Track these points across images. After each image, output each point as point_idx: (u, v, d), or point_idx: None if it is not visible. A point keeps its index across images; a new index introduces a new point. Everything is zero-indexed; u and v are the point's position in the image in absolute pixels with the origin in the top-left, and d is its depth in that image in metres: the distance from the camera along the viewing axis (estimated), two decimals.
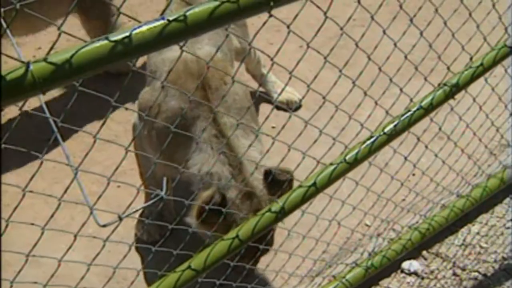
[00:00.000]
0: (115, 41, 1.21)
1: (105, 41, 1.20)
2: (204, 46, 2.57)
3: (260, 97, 3.72)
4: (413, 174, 2.96)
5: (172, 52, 2.51)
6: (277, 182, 2.21)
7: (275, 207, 2.00)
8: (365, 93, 2.03)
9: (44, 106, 1.41)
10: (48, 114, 1.41)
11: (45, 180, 3.17)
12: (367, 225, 3.12)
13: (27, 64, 1.13)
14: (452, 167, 2.89)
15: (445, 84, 2.31)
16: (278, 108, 3.71)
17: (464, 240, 3.14)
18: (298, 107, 3.70)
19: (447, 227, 3.09)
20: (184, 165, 2.26)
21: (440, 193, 3.14)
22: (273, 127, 3.55)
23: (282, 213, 2.00)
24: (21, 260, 1.61)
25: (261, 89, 3.73)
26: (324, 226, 2.64)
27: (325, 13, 1.66)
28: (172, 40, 1.28)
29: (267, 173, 2.24)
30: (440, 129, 2.53)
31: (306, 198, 2.04)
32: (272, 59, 1.61)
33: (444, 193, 3.15)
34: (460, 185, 3.13)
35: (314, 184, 2.05)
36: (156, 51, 1.30)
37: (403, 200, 3.15)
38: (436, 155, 2.67)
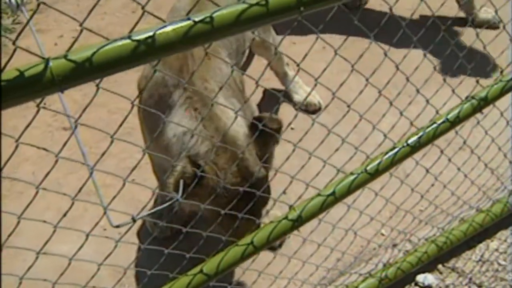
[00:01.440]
0: (138, 41, 1.17)
1: (128, 40, 1.16)
2: None
3: (278, 97, 3.67)
4: (432, 185, 2.90)
5: None
6: (264, 132, 1.98)
7: (292, 215, 1.95)
8: (391, 103, 1.97)
9: (64, 101, 1.37)
10: (66, 107, 1.37)
11: (60, 170, 3.15)
12: (382, 234, 3.06)
13: (47, 61, 1.09)
14: (474, 181, 2.82)
15: (473, 97, 2.24)
16: (297, 109, 3.67)
17: (481, 256, 3.06)
18: (318, 109, 3.63)
19: (464, 241, 3.02)
20: (162, 131, 2.15)
21: (460, 206, 3.06)
22: (292, 129, 3.50)
23: (299, 221, 1.95)
24: (30, 248, 1.58)
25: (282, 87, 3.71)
26: (339, 234, 2.59)
27: (355, 20, 1.60)
28: (197, 42, 1.24)
29: (256, 120, 2.03)
30: (464, 142, 2.45)
31: (324, 207, 1.99)
32: (298, 65, 1.56)
33: (463, 207, 3.08)
34: (481, 199, 3.06)
35: (333, 193, 2.00)
36: (178, 52, 1.25)
37: (421, 211, 3.08)
38: (459, 169, 2.59)
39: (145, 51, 1.17)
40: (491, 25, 3.84)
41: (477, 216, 3.03)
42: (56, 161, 1.30)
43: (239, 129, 2.09)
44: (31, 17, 1.22)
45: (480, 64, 2.23)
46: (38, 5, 1.08)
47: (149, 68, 2.37)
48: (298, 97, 3.68)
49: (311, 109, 3.65)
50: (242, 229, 2.02)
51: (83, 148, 1.43)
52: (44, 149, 1.27)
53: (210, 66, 2.26)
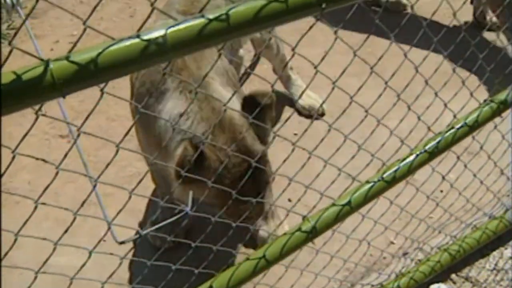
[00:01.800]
0: (148, 40, 1.05)
1: (137, 40, 1.05)
2: None
3: (282, 102, 3.58)
4: (441, 191, 2.80)
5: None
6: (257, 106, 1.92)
7: (306, 226, 1.84)
8: (409, 108, 1.87)
9: (63, 108, 1.26)
10: (66, 115, 1.26)
11: (58, 179, 3.03)
12: (392, 243, 2.96)
13: (47, 63, 0.98)
14: (490, 187, 2.71)
15: (492, 101, 2.14)
16: (300, 114, 3.57)
17: (496, 264, 2.95)
18: (321, 114, 3.53)
19: (477, 249, 2.91)
20: (155, 117, 2.05)
21: (475, 213, 2.96)
22: (295, 134, 3.39)
23: (314, 233, 1.84)
24: (27, 263, 1.47)
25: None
26: (350, 244, 2.47)
27: (376, 19, 1.50)
28: (211, 41, 1.13)
29: (248, 99, 2.00)
30: (481, 147, 2.35)
31: (339, 217, 1.88)
32: (316, 67, 1.45)
33: (476, 214, 2.97)
34: (496, 206, 2.95)
35: (349, 203, 1.89)
36: (192, 53, 1.14)
37: (431, 218, 2.98)
38: (474, 175, 2.49)
39: (156, 51, 1.06)
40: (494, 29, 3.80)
41: (490, 223, 2.92)
42: (57, 173, 1.19)
43: (235, 108, 2.01)
44: (27, 16, 1.12)
45: (499, 65, 2.12)
46: (36, 1, 0.96)
47: None
48: (301, 101, 3.59)
49: (313, 114, 3.56)
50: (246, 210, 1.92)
51: (85, 159, 1.32)
52: (43, 160, 1.16)
53: (204, 55, 2.18)
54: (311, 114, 3.57)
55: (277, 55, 3.43)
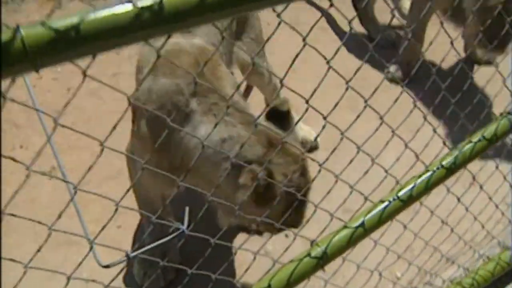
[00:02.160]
0: (142, 8, 0.88)
1: (128, 7, 0.87)
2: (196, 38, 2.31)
3: None
4: (446, 223, 2.62)
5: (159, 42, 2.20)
6: (282, 116, 2.06)
7: (316, 251, 1.63)
8: (425, 118, 1.70)
9: (32, 92, 1.06)
10: (35, 100, 1.07)
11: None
12: (397, 278, 2.74)
13: (16, 28, 0.80)
14: (505, 212, 2.53)
15: (509, 113, 1.99)
16: None
17: None
18: (314, 147, 3.37)
19: (492, 282, 2.70)
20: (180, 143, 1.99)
21: (488, 243, 2.76)
22: None
23: (324, 259, 1.63)
24: None
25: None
26: (360, 274, 2.25)
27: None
28: (216, 12, 0.95)
29: (271, 113, 2.06)
30: (497, 167, 2.18)
31: (352, 241, 1.68)
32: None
33: (490, 243, 2.78)
34: (508, 236, 2.76)
35: (362, 224, 1.69)
36: (192, 26, 0.96)
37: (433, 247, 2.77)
38: (490, 198, 2.31)
39: (149, 21, 0.87)
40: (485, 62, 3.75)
41: (503, 254, 2.73)
42: (28, 176, 0.99)
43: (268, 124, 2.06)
44: None
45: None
46: None
47: (151, 80, 2.08)
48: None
49: (307, 147, 3.39)
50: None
51: (61, 161, 1.12)
52: (13, 159, 0.95)
53: (223, 71, 2.12)
54: (304, 147, 3.41)
55: (269, 83, 3.28)
